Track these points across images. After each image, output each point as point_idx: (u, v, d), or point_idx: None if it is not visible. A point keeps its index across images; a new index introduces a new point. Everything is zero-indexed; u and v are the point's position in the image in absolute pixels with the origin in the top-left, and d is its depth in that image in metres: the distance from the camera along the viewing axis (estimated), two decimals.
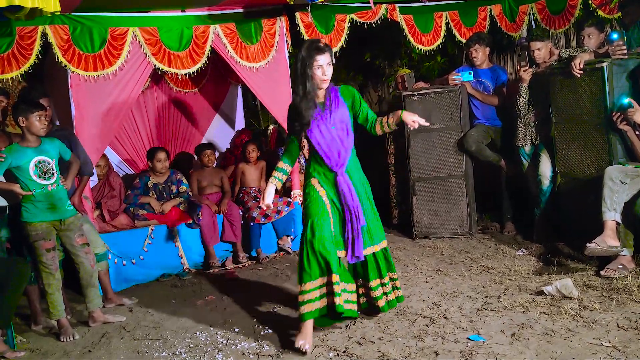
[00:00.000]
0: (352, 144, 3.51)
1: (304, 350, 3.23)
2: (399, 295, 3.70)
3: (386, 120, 3.50)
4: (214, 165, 5.92)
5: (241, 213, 5.56)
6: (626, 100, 4.15)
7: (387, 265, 3.62)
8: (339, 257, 3.44)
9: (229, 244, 5.53)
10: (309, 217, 3.40)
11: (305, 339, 3.28)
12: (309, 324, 3.33)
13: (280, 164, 3.59)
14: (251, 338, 3.57)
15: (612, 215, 3.95)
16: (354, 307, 3.49)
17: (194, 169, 6.08)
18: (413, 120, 3.39)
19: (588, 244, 3.88)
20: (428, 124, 3.45)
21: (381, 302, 3.60)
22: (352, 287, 3.51)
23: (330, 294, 3.35)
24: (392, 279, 3.66)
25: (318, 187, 3.47)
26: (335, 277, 3.31)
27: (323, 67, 3.34)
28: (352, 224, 3.43)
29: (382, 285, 3.61)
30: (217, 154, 6.24)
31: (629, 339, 3.02)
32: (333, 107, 3.44)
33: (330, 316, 3.45)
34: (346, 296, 3.41)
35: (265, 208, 3.60)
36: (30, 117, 3.81)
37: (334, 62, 5.58)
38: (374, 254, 3.56)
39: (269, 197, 3.52)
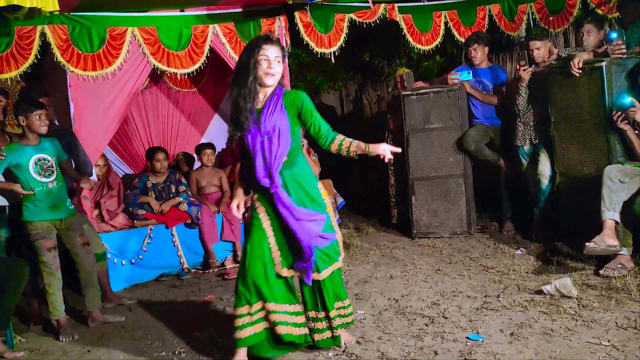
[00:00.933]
0: (284, 156, 2.99)
1: None
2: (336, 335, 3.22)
3: (347, 147, 2.99)
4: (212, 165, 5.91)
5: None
6: (628, 100, 4.15)
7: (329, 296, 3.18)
8: (287, 276, 3.11)
9: (228, 244, 5.53)
10: (247, 241, 3.09)
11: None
12: (241, 352, 3.07)
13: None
14: None
15: (611, 214, 3.95)
16: (299, 330, 3.11)
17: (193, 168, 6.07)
18: (384, 151, 2.99)
19: (587, 243, 3.88)
20: (399, 150, 3.10)
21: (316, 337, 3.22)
22: (294, 308, 3.12)
23: (267, 320, 3.07)
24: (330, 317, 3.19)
25: (257, 204, 3.09)
26: (270, 305, 3.04)
27: (270, 59, 2.93)
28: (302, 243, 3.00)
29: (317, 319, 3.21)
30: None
31: (628, 338, 3.02)
32: (269, 113, 2.98)
33: (276, 343, 3.14)
34: (286, 318, 3.07)
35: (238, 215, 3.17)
36: (31, 117, 3.82)
37: (334, 60, 5.67)
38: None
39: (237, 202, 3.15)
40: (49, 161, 3.89)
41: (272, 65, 2.96)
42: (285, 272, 3.09)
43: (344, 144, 3.02)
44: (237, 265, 5.30)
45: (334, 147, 3.03)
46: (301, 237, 2.99)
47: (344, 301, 3.23)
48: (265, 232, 3.06)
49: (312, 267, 3.05)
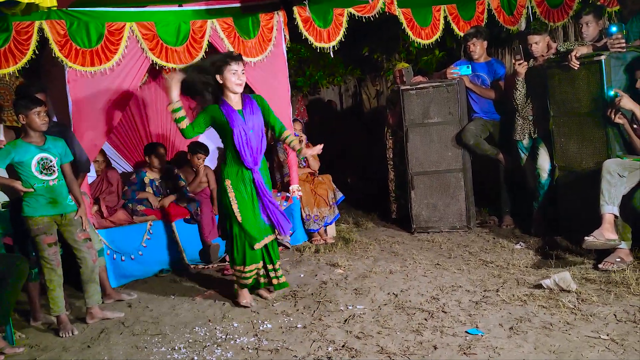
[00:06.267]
0: (264, 147, 4.05)
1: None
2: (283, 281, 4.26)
3: (290, 141, 4.17)
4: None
5: None
6: (612, 92, 4.17)
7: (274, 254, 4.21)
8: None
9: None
10: (235, 216, 3.98)
11: (247, 298, 4.09)
12: (246, 292, 4.14)
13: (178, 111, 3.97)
14: (250, 333, 3.58)
15: (610, 208, 3.95)
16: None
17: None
18: (312, 152, 4.28)
19: (586, 237, 3.89)
20: (319, 150, 4.26)
21: (275, 281, 4.22)
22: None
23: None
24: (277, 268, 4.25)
25: (230, 189, 3.98)
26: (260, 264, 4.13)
27: (238, 72, 3.92)
28: (271, 211, 4.05)
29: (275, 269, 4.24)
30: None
31: (626, 331, 3.02)
32: (250, 112, 3.99)
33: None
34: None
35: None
36: (30, 114, 3.80)
37: (332, 55, 5.66)
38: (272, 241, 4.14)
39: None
40: (51, 161, 3.88)
41: (240, 77, 3.96)
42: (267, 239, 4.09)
43: (289, 139, 4.19)
44: None
45: (282, 137, 4.19)
46: (269, 207, 4.04)
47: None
48: (252, 210, 4.02)
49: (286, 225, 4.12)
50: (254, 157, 3.97)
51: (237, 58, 3.96)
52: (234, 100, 3.99)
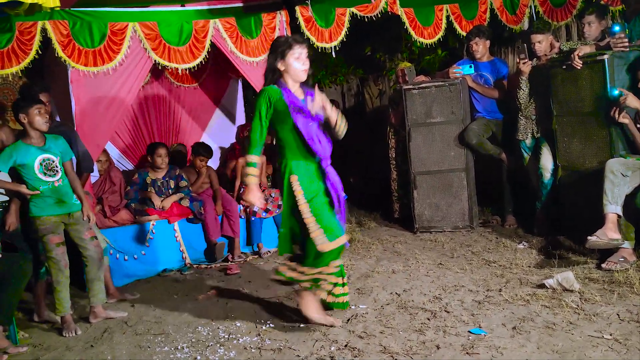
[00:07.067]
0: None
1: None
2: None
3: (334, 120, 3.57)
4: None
5: (242, 207, 5.56)
6: (616, 91, 4.16)
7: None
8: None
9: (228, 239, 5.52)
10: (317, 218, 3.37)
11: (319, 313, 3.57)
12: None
13: (253, 158, 3.41)
14: (253, 332, 3.58)
15: (613, 208, 3.94)
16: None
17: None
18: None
19: (589, 237, 3.88)
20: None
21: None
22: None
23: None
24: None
25: (296, 186, 3.38)
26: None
27: (302, 57, 3.39)
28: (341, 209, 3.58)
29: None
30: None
31: (630, 331, 3.02)
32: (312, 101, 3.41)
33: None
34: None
35: (263, 207, 3.55)
36: (31, 112, 3.81)
37: (334, 55, 5.66)
38: None
39: (259, 199, 3.47)
40: (53, 161, 3.89)
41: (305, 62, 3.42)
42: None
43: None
44: (240, 260, 5.33)
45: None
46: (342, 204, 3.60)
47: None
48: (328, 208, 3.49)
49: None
50: (323, 147, 3.44)
51: (301, 41, 3.43)
52: (295, 90, 3.44)
